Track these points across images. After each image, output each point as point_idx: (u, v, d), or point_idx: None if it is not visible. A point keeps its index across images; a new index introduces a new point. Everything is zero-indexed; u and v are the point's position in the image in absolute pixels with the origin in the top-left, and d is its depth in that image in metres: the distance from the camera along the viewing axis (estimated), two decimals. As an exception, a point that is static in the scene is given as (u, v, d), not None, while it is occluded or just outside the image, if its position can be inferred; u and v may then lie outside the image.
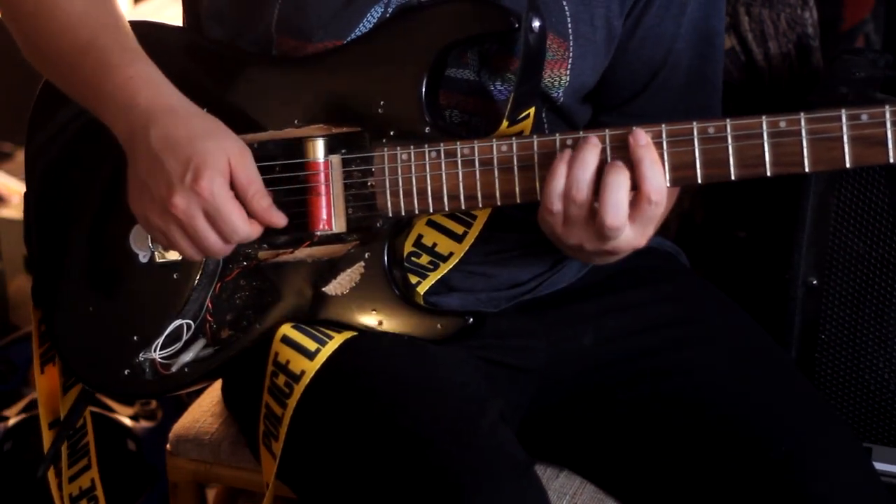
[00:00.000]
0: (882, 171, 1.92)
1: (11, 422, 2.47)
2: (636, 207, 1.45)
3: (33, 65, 1.65)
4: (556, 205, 1.47)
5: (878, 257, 1.95)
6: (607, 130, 1.47)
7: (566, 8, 1.61)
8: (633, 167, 1.44)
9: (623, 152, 1.46)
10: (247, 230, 1.53)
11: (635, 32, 1.66)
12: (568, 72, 1.63)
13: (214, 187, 1.49)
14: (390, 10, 1.59)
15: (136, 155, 1.53)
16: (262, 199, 1.53)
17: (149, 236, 1.64)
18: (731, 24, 2.18)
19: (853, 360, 1.99)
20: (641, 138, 1.44)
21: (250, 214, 1.53)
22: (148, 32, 1.62)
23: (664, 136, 1.46)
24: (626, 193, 1.44)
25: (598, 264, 1.61)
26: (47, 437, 1.79)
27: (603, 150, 1.46)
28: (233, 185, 1.51)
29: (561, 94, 1.64)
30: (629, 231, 1.46)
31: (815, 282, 1.97)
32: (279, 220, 1.55)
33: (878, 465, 1.96)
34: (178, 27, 1.71)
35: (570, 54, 1.62)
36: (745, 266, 2.23)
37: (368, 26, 1.60)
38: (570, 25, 1.62)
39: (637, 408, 1.65)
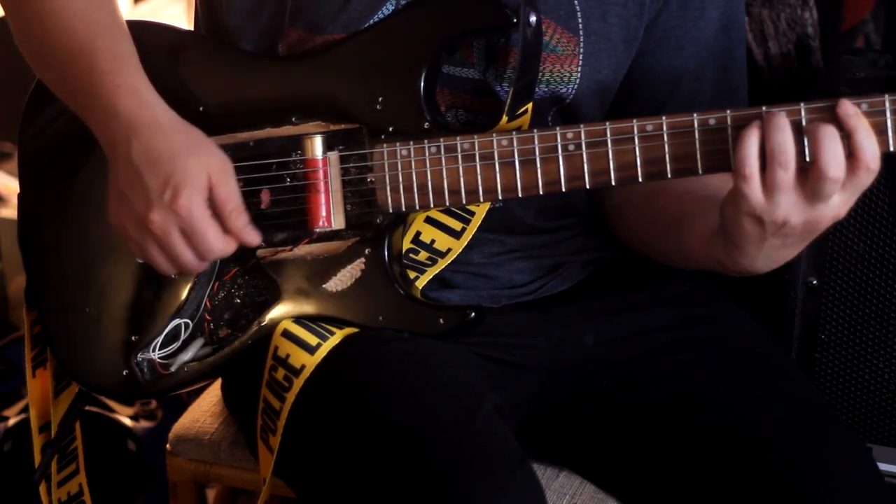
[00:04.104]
0: (882, 172, 1.91)
1: (11, 422, 2.48)
2: (852, 174, 1.42)
3: (24, 55, 1.64)
4: (751, 166, 1.42)
5: (878, 257, 1.95)
6: (801, 104, 1.44)
7: (576, 2, 1.61)
8: (845, 137, 1.41)
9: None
10: (222, 248, 1.53)
11: (653, 32, 1.66)
12: (579, 68, 1.63)
13: (192, 206, 1.50)
14: (402, 4, 1.60)
15: (118, 165, 1.54)
16: (238, 217, 1.53)
17: None
18: (730, 25, 2.18)
19: (853, 360, 1.99)
20: (850, 108, 1.42)
21: (226, 231, 1.53)
22: (143, 33, 1.62)
23: (664, 128, 1.46)
24: (841, 147, 1.41)
25: (773, 266, 1.55)
26: (38, 442, 1.79)
27: (797, 122, 1.43)
28: (211, 201, 1.52)
29: (572, 91, 1.64)
30: (837, 198, 1.43)
31: (815, 282, 1.97)
32: (254, 239, 1.55)
33: (878, 466, 1.95)
34: (173, 27, 1.70)
35: (581, 50, 1.62)
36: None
37: None
38: (580, 20, 1.62)
39: (638, 409, 1.64)
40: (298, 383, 1.55)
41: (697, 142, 1.47)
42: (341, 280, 1.60)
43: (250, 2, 1.64)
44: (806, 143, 1.42)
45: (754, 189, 1.43)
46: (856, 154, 1.41)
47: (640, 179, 1.49)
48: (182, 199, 1.49)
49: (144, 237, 1.53)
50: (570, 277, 1.76)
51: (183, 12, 3.23)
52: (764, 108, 1.44)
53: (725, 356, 1.68)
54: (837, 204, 1.44)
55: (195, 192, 1.50)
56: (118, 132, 1.53)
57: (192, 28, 1.78)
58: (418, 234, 1.62)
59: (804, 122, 1.43)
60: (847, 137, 1.41)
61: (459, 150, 1.54)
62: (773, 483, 1.53)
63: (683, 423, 1.61)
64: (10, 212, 2.93)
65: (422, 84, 1.56)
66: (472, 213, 1.61)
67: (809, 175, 1.41)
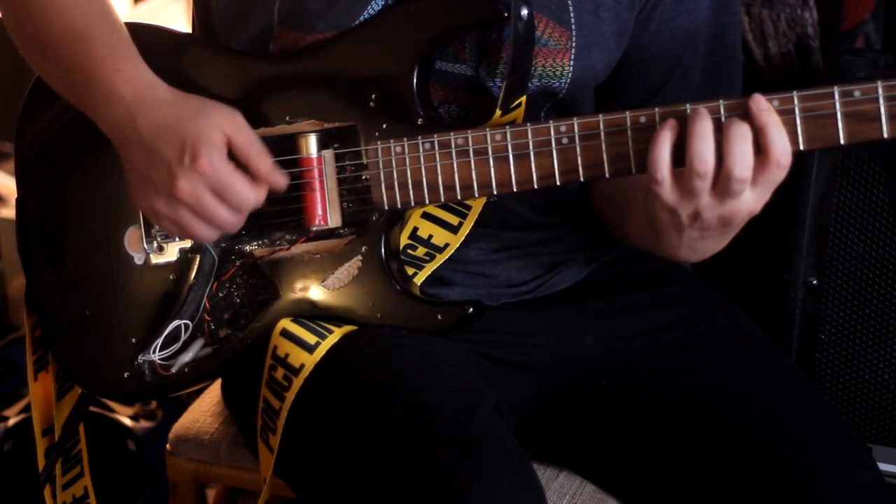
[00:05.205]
0: (882, 171, 1.92)
1: (11, 422, 2.48)
2: (762, 170, 1.42)
3: (21, 51, 1.65)
4: (662, 171, 1.44)
5: (878, 257, 1.95)
6: (721, 100, 1.44)
7: None
8: (756, 132, 1.42)
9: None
10: (254, 196, 1.53)
11: (648, 26, 1.66)
12: (571, 62, 1.63)
13: (214, 162, 1.50)
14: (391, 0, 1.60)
15: (129, 148, 1.54)
16: (265, 160, 1.53)
17: (143, 238, 1.65)
18: (730, 25, 2.18)
19: (853, 360, 1.99)
20: (763, 103, 1.42)
21: (253, 177, 1.53)
22: (139, 34, 1.62)
23: (657, 119, 1.46)
24: (750, 146, 1.41)
25: (699, 257, 1.58)
26: (41, 445, 1.79)
27: (716, 121, 1.43)
28: (232, 153, 1.52)
29: (564, 85, 1.64)
30: (749, 194, 1.44)
31: (815, 282, 1.97)
32: (282, 181, 1.55)
33: (878, 466, 1.95)
34: (168, 28, 1.71)
35: (573, 44, 1.62)
36: (745, 266, 2.22)
37: None
38: (572, 15, 1.62)
39: (638, 409, 1.64)
40: (298, 382, 1.55)
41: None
42: (339, 278, 1.60)
43: (239, 5, 1.65)
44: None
45: (667, 191, 1.45)
46: (766, 150, 1.42)
47: (634, 171, 1.49)
48: (202, 157, 1.49)
49: (177, 210, 1.52)
50: (570, 276, 1.76)
51: (182, 12, 3.23)
52: (688, 107, 1.45)
53: (725, 356, 1.68)
54: (750, 200, 1.44)
55: (213, 149, 1.50)
56: (121, 115, 1.54)
57: (189, 29, 1.78)
58: (415, 229, 1.63)
59: (723, 120, 1.43)
60: (758, 133, 1.42)
61: (453, 145, 1.54)
62: (772, 483, 1.52)
63: (683, 423, 1.61)
64: (10, 212, 2.94)
65: (414, 80, 1.56)
66: (469, 207, 1.61)
67: (718, 174, 1.43)
